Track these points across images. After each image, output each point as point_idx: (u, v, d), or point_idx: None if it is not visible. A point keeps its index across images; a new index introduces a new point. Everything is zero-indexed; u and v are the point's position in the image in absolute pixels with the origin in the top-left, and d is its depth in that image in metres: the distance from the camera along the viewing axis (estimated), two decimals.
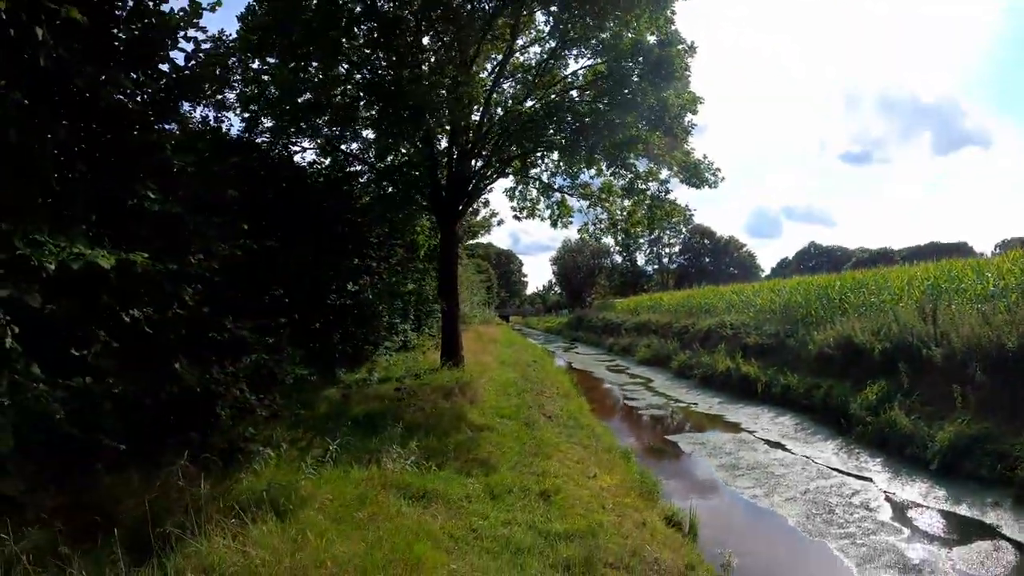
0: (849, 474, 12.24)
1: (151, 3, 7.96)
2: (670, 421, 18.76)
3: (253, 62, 14.64)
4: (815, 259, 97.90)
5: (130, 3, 7.82)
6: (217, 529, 5.19)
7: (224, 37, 13.14)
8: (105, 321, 6.97)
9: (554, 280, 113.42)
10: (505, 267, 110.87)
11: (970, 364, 13.47)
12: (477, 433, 11.13)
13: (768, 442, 15.16)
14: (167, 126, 8.99)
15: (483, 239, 45.67)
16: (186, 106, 10.85)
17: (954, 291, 17.92)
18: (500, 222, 22.98)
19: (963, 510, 9.99)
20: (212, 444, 7.21)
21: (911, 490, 11.10)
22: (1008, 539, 8.77)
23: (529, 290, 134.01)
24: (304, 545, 5.17)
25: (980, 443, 11.49)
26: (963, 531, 9.21)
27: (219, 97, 13.80)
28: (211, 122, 13.41)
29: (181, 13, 8.20)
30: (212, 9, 8.57)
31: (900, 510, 10.23)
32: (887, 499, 10.76)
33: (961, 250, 53.26)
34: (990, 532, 9.07)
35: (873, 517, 9.88)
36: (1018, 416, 11.65)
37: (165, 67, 8.34)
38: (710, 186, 16.99)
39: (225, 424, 7.53)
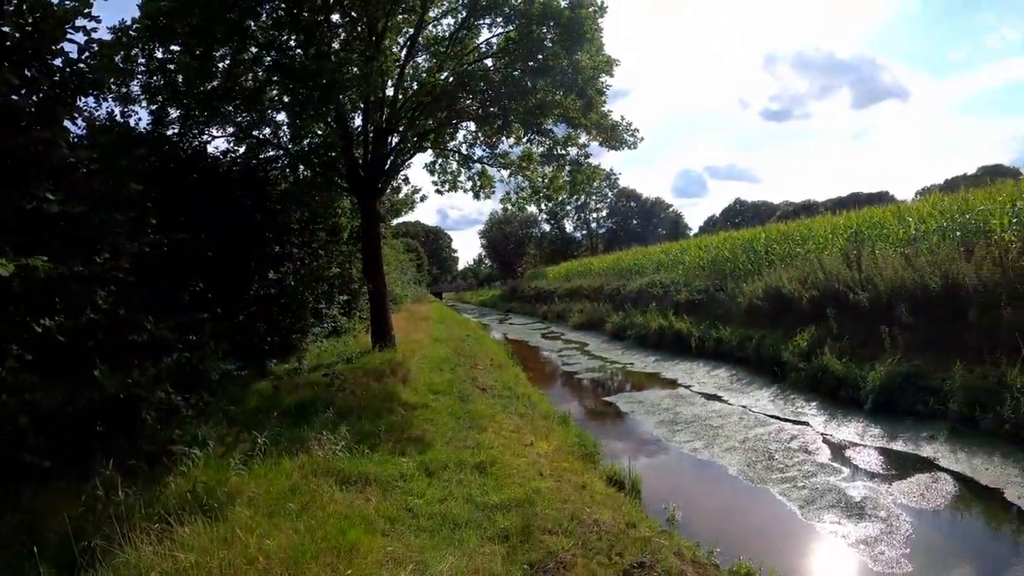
0: (786, 420, 12.64)
1: None
2: (608, 383, 19.09)
3: (157, 51, 14.06)
4: (741, 215, 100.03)
5: None
6: (144, 536, 5.08)
7: (125, 27, 12.59)
8: (16, 334, 6.73)
9: (484, 253, 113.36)
10: (435, 244, 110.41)
11: (896, 306, 14.08)
12: (410, 412, 11.14)
13: (705, 395, 15.57)
14: (69, 123, 8.62)
15: (409, 217, 45.45)
16: (91, 102, 10.43)
17: (877, 237, 18.70)
18: (423, 198, 22.81)
19: (899, 446, 10.41)
20: (140, 449, 7.05)
21: (847, 430, 11.52)
22: (946, 470, 9.16)
23: (461, 265, 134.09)
24: (234, 542, 5.11)
25: (911, 380, 12.02)
26: (901, 466, 9.57)
27: (124, 90, 13.25)
28: (117, 117, 12.85)
29: (70, 4, 7.83)
30: None
31: (838, 450, 10.60)
32: (825, 441, 11.13)
33: (883, 199, 55.18)
34: (928, 465, 9.46)
35: (812, 460, 10.20)
36: (946, 352, 12.18)
37: (58, 62, 7.99)
38: (629, 147, 17.16)
39: (151, 428, 7.36)
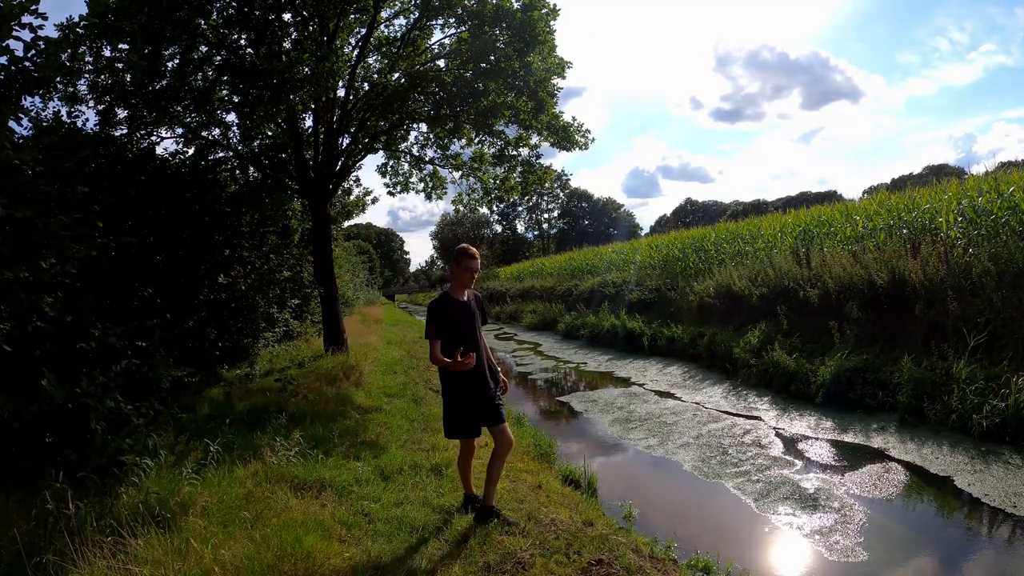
0: (739, 415, 12.78)
1: None
2: (561, 382, 19.14)
3: (105, 49, 13.69)
4: (692, 215, 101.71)
5: None
6: (97, 550, 4.95)
7: (72, 24, 12.23)
8: None
9: (436, 255, 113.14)
10: (387, 246, 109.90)
11: (845, 302, 14.51)
12: (364, 415, 11.10)
13: (658, 393, 15.70)
14: (14, 124, 8.35)
15: (360, 219, 45.15)
16: (37, 101, 10.14)
17: (825, 235, 19.26)
18: (374, 200, 22.57)
19: (851, 437, 10.62)
20: (90, 460, 6.87)
21: (800, 424, 11.71)
22: (896, 460, 9.38)
23: (413, 267, 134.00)
24: (188, 554, 5.03)
25: (861, 374, 12.31)
26: (853, 457, 9.75)
27: (71, 90, 12.86)
28: (64, 117, 12.45)
29: (16, 0, 7.57)
30: None
31: (791, 444, 10.74)
32: (777, 435, 11.28)
33: (831, 198, 56.96)
34: (879, 455, 9.66)
35: (766, 454, 10.30)
36: (895, 346, 12.66)
37: (3, 60, 7.74)
38: (580, 148, 17.37)
39: (101, 438, 7.16)
